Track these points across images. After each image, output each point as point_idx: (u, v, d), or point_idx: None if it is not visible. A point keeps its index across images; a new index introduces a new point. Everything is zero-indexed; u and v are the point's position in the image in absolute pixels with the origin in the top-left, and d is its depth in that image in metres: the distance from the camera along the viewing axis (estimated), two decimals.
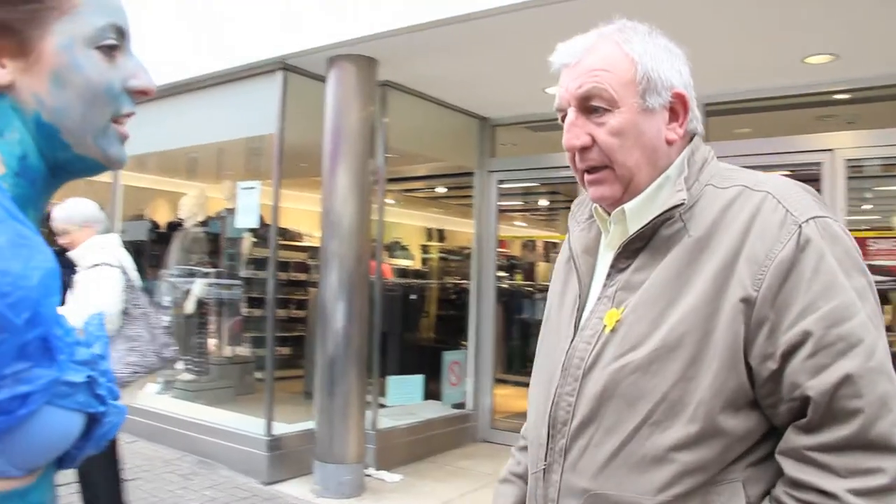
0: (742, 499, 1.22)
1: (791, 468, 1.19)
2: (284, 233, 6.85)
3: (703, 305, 1.23)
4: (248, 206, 6.61)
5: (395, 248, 12.51)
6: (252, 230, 7.42)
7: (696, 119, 1.39)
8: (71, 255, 4.07)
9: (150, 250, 8.98)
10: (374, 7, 5.45)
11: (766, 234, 1.22)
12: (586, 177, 1.37)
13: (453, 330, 9.09)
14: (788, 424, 1.21)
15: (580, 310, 1.42)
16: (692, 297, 1.24)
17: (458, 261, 12.41)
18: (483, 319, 7.86)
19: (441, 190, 11.60)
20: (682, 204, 1.29)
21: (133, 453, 6.71)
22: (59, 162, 0.95)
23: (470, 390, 7.77)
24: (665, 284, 1.28)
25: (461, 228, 13.14)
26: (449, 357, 7.87)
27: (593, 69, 1.32)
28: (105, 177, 7.96)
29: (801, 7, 4.56)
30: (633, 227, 1.35)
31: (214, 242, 8.76)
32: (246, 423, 6.45)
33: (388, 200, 7.15)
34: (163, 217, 9.66)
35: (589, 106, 1.32)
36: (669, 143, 1.35)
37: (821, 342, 1.16)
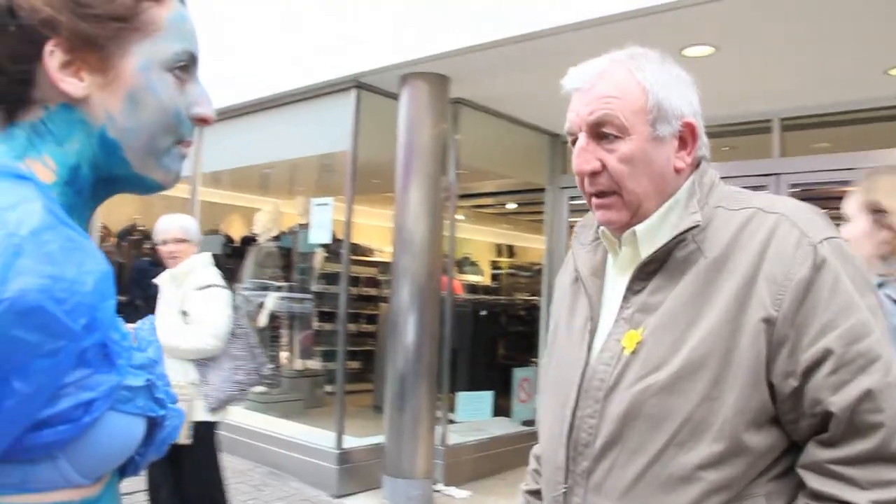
0: None
1: (813, 481, 1.22)
2: (355, 248, 6.92)
3: (724, 325, 1.25)
4: (322, 222, 6.71)
5: (465, 264, 12.53)
6: (324, 245, 7.51)
7: (704, 146, 1.41)
8: (175, 270, 4.15)
9: (224, 264, 9.15)
10: (447, 25, 5.50)
11: (783, 255, 1.24)
12: (594, 200, 1.39)
13: (523, 346, 9.05)
14: (809, 439, 1.24)
15: (592, 332, 1.43)
16: (712, 317, 1.26)
17: (528, 277, 12.38)
18: None
19: (511, 206, 11.58)
20: (697, 226, 1.31)
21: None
22: (113, 176, 0.96)
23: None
24: (684, 305, 1.30)
25: (531, 244, 13.12)
26: (519, 373, 7.85)
27: (605, 96, 1.34)
28: (183, 192, 8.18)
29: (882, 18, 4.44)
30: (645, 249, 1.37)
31: (287, 257, 8.90)
32: (316, 436, 6.51)
33: (458, 216, 7.16)
34: (237, 232, 9.85)
35: (600, 132, 1.34)
36: (678, 171, 1.37)
37: (841, 359, 1.19)
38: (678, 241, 1.32)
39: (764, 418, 1.24)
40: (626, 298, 1.38)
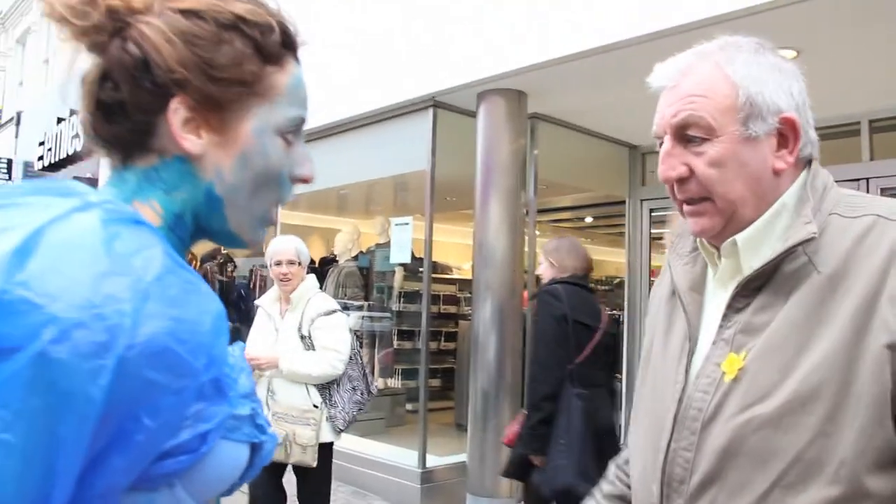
0: None
1: None
2: (435, 266, 6.93)
3: (842, 351, 1.09)
4: (402, 241, 6.76)
5: None
6: (403, 264, 7.56)
7: (810, 144, 1.26)
8: (293, 293, 4.25)
9: None
10: (522, 41, 5.48)
11: None
12: (685, 208, 1.27)
13: None
14: None
15: (690, 354, 1.29)
16: (827, 341, 1.11)
17: (608, 290, 12.20)
18: (637, 350, 7.67)
19: (589, 220, 11.46)
20: (812, 238, 1.17)
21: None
22: (207, 228, 1.00)
23: (624, 423, 7.59)
24: (794, 327, 1.15)
25: (610, 258, 12.94)
26: None
27: (690, 94, 1.23)
28: None
29: None
30: (748, 259, 1.23)
31: (366, 276, 8.97)
32: (399, 455, 6.52)
33: (537, 232, 7.12)
34: (316, 253, 9.97)
35: (686, 135, 1.23)
36: (777, 172, 1.22)
37: None
38: (788, 253, 1.18)
39: (889, 459, 1.08)
40: (726, 317, 1.24)
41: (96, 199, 0.84)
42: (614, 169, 7.56)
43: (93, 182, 12.76)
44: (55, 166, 14.39)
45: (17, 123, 18.18)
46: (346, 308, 8.44)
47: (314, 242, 10.26)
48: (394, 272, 8.66)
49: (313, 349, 4.15)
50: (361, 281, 8.93)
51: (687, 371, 1.27)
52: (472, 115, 6.16)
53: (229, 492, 1.03)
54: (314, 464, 4.10)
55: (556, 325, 3.98)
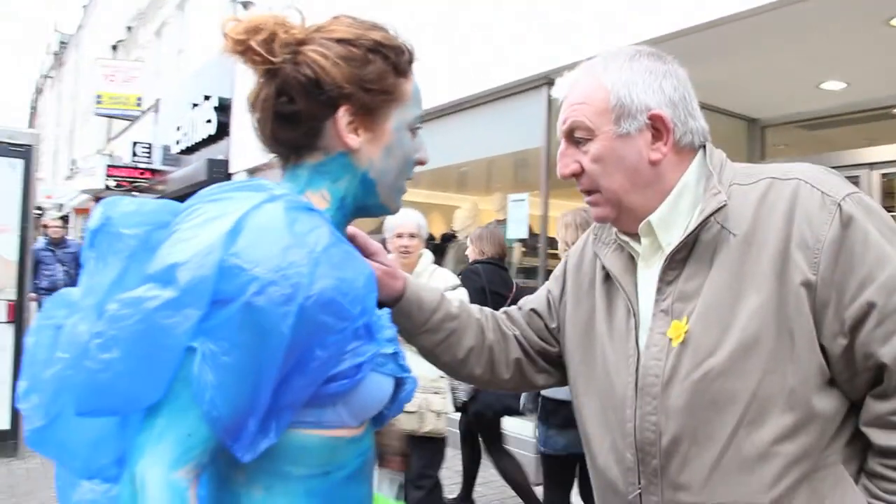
0: (848, 480, 1.24)
1: (878, 437, 1.23)
2: (552, 242, 7.04)
3: (770, 299, 1.25)
4: (518, 217, 6.91)
5: None
6: (521, 240, 7.70)
7: (692, 132, 1.41)
8: (417, 268, 4.27)
9: None
10: (636, 16, 5.52)
11: (810, 219, 1.26)
12: (585, 199, 1.45)
13: None
14: (866, 396, 1.25)
15: (636, 328, 1.42)
16: (755, 293, 1.27)
17: None
18: None
19: None
20: (724, 206, 1.31)
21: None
22: (363, 205, 1.31)
23: None
24: (723, 287, 1.30)
25: None
26: None
27: (573, 103, 1.43)
28: None
29: None
30: (664, 237, 1.38)
31: None
32: (515, 426, 6.66)
33: None
34: (437, 229, 10.20)
35: (574, 137, 1.41)
36: (653, 163, 1.38)
37: (885, 310, 1.20)
38: (704, 223, 1.33)
39: (823, 381, 1.25)
40: (660, 290, 1.38)
41: (279, 192, 1.16)
42: (731, 142, 7.42)
43: (224, 163, 13.40)
44: (190, 149, 15.14)
45: (156, 110, 19.18)
46: None
47: (435, 219, 10.49)
48: (512, 248, 8.82)
49: None
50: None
51: (637, 344, 1.41)
52: None
53: (381, 422, 1.35)
54: (446, 432, 4.18)
55: (477, 294, 4.81)
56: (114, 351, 1.01)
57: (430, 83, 6.14)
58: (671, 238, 1.38)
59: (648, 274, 1.43)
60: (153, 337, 1.01)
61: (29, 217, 6.63)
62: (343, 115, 1.23)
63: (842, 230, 1.24)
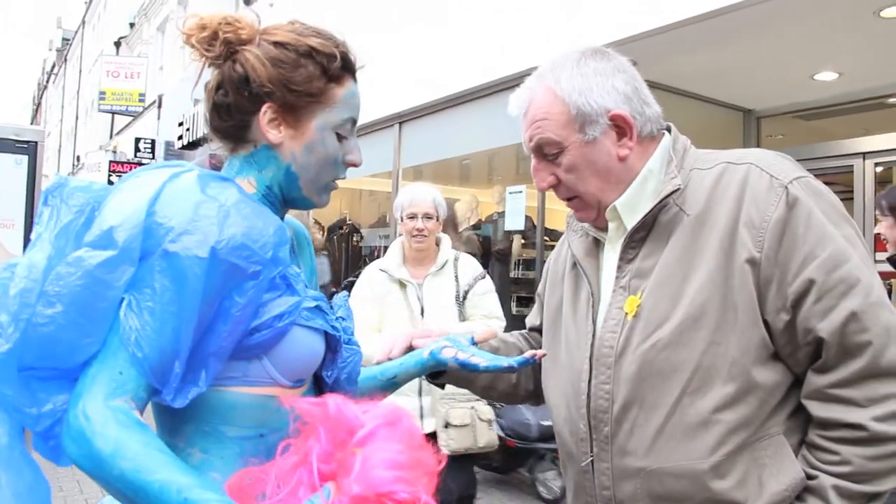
0: (788, 449, 1.30)
1: (817, 409, 1.30)
2: (551, 233, 7.09)
3: (717, 273, 1.32)
4: (516, 209, 6.96)
5: None
6: (520, 232, 7.75)
7: (649, 121, 1.47)
8: (439, 256, 3.61)
9: None
10: (630, 9, 5.58)
11: (757, 200, 1.33)
12: (566, 204, 1.51)
13: None
14: (808, 370, 1.31)
15: (594, 306, 1.49)
16: (704, 268, 1.34)
17: None
18: None
19: None
20: (678, 189, 1.39)
21: None
22: (289, 196, 1.40)
23: None
24: (675, 263, 1.38)
25: None
26: None
27: (535, 120, 1.47)
28: (384, 186, 8.70)
29: None
30: (629, 219, 1.44)
31: (486, 244, 9.18)
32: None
33: None
34: None
35: (543, 153, 1.46)
36: (622, 159, 1.44)
37: (823, 287, 1.27)
38: (661, 206, 1.40)
39: (766, 354, 1.31)
40: (620, 268, 1.46)
41: (195, 168, 1.28)
42: (728, 134, 7.45)
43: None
44: (193, 145, 15.20)
45: (159, 106, 19.24)
46: None
47: None
48: (511, 240, 8.87)
49: (463, 319, 3.56)
50: (480, 249, 9.15)
51: (594, 321, 1.48)
52: None
53: (328, 388, 1.39)
54: (497, 443, 3.69)
55: None
56: (57, 306, 1.11)
57: (430, 76, 6.17)
58: (635, 221, 1.44)
59: (613, 256, 1.49)
60: (93, 290, 1.12)
61: (34, 212, 6.70)
62: (266, 112, 1.33)
63: (787, 211, 1.30)
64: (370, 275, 3.65)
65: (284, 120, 1.35)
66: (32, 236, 1.25)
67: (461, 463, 3.45)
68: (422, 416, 3.45)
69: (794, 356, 1.32)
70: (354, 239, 10.88)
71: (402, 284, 3.54)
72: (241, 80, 1.32)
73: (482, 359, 1.53)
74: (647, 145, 1.48)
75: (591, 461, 1.43)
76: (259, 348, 1.25)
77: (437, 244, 3.65)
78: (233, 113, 1.35)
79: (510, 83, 7.00)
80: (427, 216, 3.52)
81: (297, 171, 1.37)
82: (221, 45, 1.32)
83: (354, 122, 1.43)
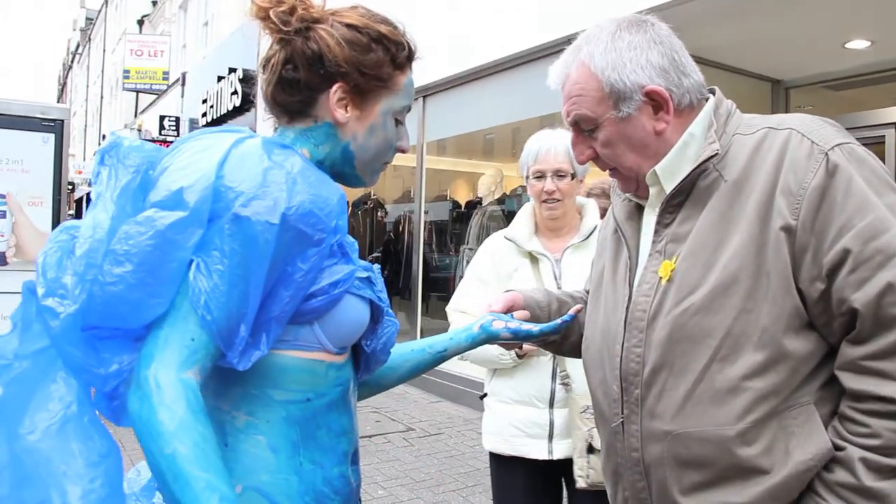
0: (818, 419, 1.28)
1: (850, 381, 1.26)
2: None
3: (751, 241, 1.30)
4: None
5: None
6: None
7: (688, 91, 1.44)
8: (584, 223, 2.70)
9: (451, 228, 9.59)
10: None
11: (796, 167, 1.30)
12: (608, 173, 1.52)
13: None
14: (842, 340, 1.28)
15: (632, 270, 1.51)
16: (739, 235, 1.32)
17: None
18: None
19: None
20: (716, 154, 1.38)
21: (438, 412, 7.43)
22: (340, 172, 1.43)
23: None
24: (711, 228, 1.36)
25: None
26: None
27: (571, 97, 1.46)
28: (409, 161, 8.70)
29: None
30: (668, 184, 1.44)
31: (510, 218, 9.16)
32: None
33: None
34: (463, 197, 10.25)
35: (581, 128, 1.46)
36: (659, 133, 1.42)
37: (859, 257, 1.23)
38: (701, 171, 1.39)
39: (799, 323, 1.29)
40: (657, 233, 1.46)
41: (255, 134, 1.31)
42: (756, 105, 7.36)
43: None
44: (217, 122, 15.22)
45: (183, 84, 19.29)
46: None
47: (460, 186, 10.55)
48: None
49: None
50: (505, 223, 9.14)
51: (631, 285, 1.50)
52: None
53: (368, 367, 1.47)
54: None
55: None
56: (126, 265, 1.13)
57: (453, 49, 6.15)
58: (674, 185, 1.43)
59: (651, 220, 1.49)
60: (163, 251, 1.14)
61: (62, 190, 6.74)
62: (336, 91, 1.36)
63: (826, 178, 1.27)
64: (494, 246, 2.79)
65: (352, 101, 1.38)
66: (92, 196, 1.27)
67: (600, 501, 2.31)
68: (550, 437, 2.54)
69: (829, 326, 1.29)
70: (379, 214, 10.91)
71: (534, 258, 2.66)
72: (315, 57, 1.35)
73: (530, 325, 1.65)
74: (687, 115, 1.46)
75: (622, 423, 1.45)
76: (313, 313, 1.28)
77: (580, 211, 2.76)
78: (301, 88, 1.37)
79: (533, 56, 6.99)
80: (559, 174, 2.59)
81: (356, 150, 1.41)
82: (298, 21, 1.34)
83: (410, 109, 1.48)
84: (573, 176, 2.60)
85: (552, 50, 6.65)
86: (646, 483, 1.42)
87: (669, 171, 1.44)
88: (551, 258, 2.63)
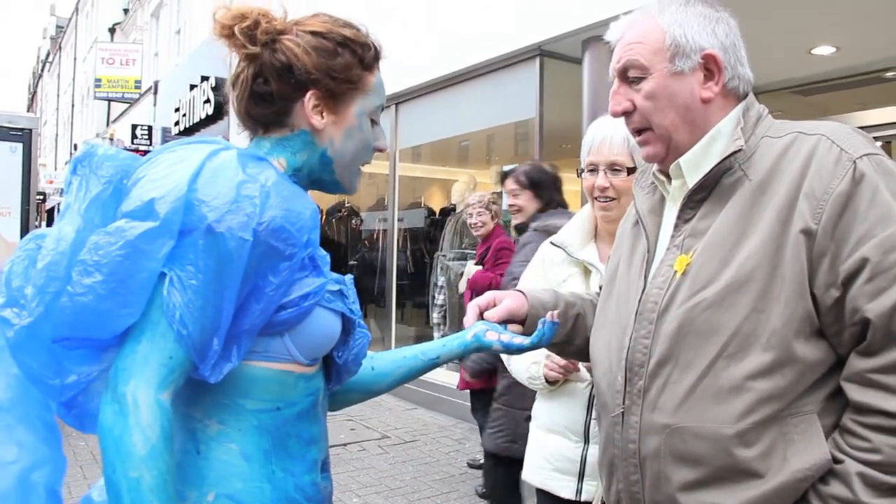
0: (819, 429, 1.27)
1: (855, 393, 1.26)
2: None
3: (769, 241, 1.30)
4: None
5: None
6: None
7: (739, 78, 1.46)
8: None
9: (426, 235, 9.59)
10: None
11: (822, 172, 1.29)
12: (635, 138, 1.51)
13: None
14: (851, 351, 1.27)
15: (649, 262, 1.51)
16: (758, 235, 1.32)
17: None
18: None
19: None
20: (740, 150, 1.39)
21: (413, 419, 7.42)
22: (318, 179, 1.45)
23: None
24: (730, 226, 1.36)
25: None
26: None
27: (629, 43, 1.48)
28: (382, 168, 8.69)
29: None
30: (691, 178, 1.45)
31: None
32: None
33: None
34: (437, 203, 10.24)
35: (627, 76, 1.47)
36: (705, 101, 1.44)
37: (878, 267, 1.22)
38: (725, 168, 1.40)
39: (810, 329, 1.28)
40: (676, 227, 1.47)
41: (231, 146, 1.31)
42: None
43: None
44: (189, 130, 15.15)
45: (155, 92, 19.18)
46: (464, 257, 8.72)
47: (434, 193, 10.54)
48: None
49: None
50: None
51: (646, 277, 1.50)
52: (579, 62, 6.25)
53: (339, 377, 1.48)
54: None
55: None
56: (96, 275, 1.14)
57: (426, 57, 6.14)
58: (697, 180, 1.44)
59: (673, 214, 1.50)
60: (134, 261, 1.15)
61: (31, 200, 6.70)
62: (311, 98, 1.38)
63: (852, 185, 1.27)
64: (543, 254, 2.50)
65: (327, 106, 1.40)
66: (61, 206, 1.28)
67: None
68: (581, 476, 2.25)
69: (840, 336, 1.29)
70: (353, 222, 10.87)
71: (586, 270, 2.34)
72: (285, 68, 1.36)
73: (522, 338, 1.64)
74: (729, 101, 1.47)
75: (622, 413, 1.45)
76: (283, 325, 1.30)
77: None
78: (275, 100, 1.38)
79: (506, 62, 7.02)
80: (614, 167, 2.24)
81: (333, 155, 1.43)
82: (263, 34, 1.36)
83: (383, 108, 1.50)
84: (631, 171, 2.20)
85: (526, 56, 6.72)
86: (640, 476, 1.42)
87: (694, 164, 1.45)
88: (603, 270, 2.02)
